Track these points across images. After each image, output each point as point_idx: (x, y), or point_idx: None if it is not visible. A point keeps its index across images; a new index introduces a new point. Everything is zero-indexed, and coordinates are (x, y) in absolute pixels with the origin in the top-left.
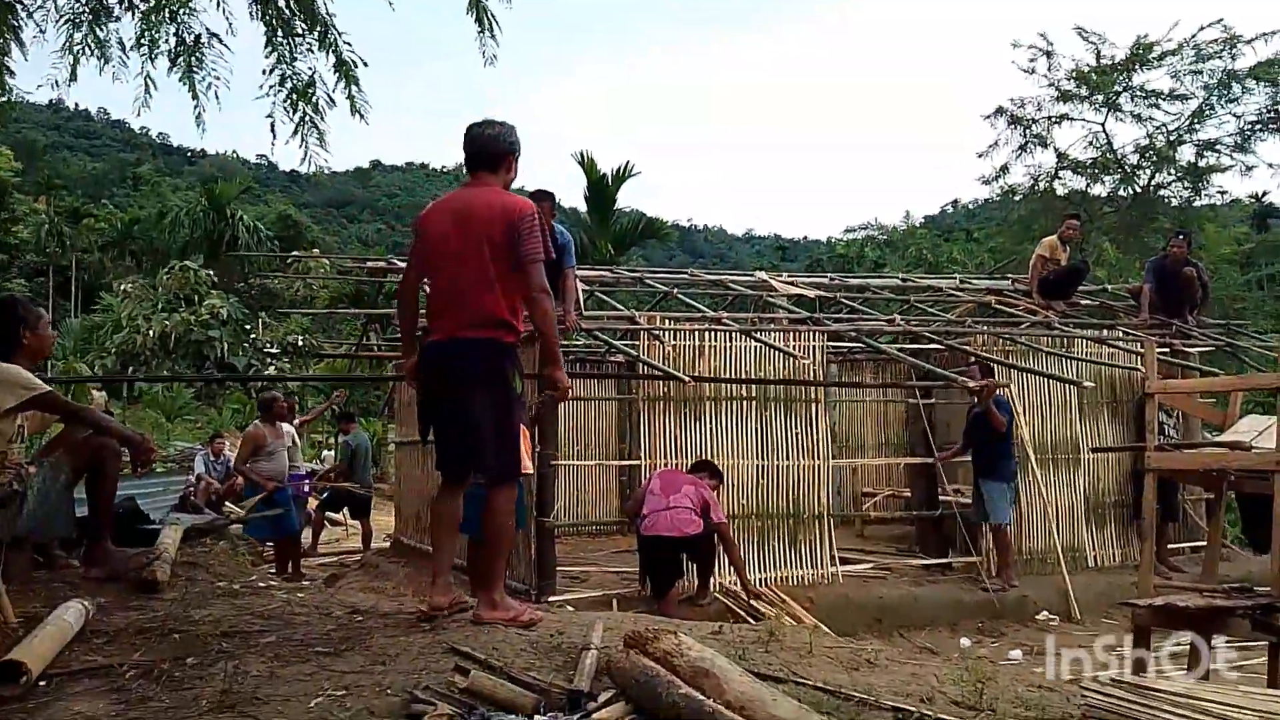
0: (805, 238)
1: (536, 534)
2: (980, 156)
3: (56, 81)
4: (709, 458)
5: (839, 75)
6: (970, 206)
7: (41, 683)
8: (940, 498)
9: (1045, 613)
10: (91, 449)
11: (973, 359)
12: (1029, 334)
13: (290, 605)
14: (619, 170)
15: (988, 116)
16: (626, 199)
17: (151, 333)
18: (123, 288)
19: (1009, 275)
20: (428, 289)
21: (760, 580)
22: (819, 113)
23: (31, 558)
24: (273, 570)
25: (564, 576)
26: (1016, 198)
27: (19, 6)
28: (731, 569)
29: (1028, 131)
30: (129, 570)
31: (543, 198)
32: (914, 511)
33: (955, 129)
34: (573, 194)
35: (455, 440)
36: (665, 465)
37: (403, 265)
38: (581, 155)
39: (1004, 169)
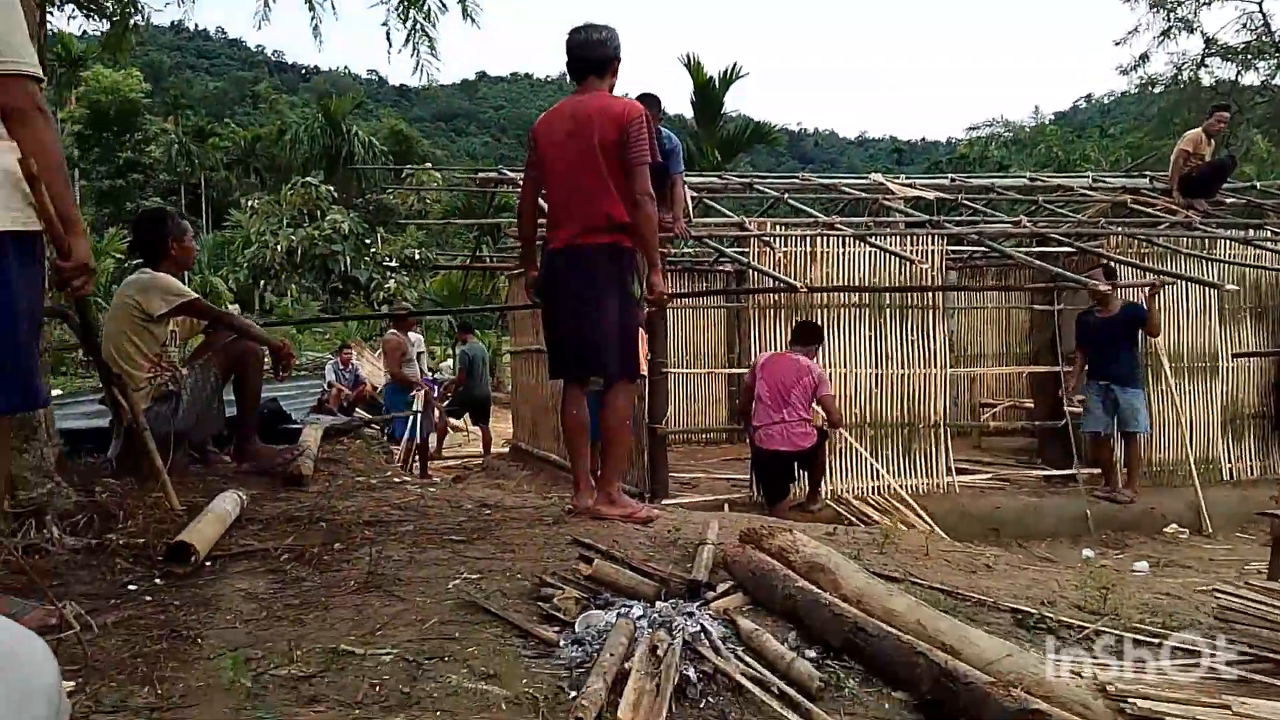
0: (923, 139)
1: (649, 440)
2: (1117, 44)
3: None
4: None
5: None
6: (1105, 101)
7: (207, 563)
8: (1066, 409)
9: (1174, 526)
10: (237, 353)
11: (1102, 261)
12: (1167, 235)
13: (424, 499)
14: (726, 73)
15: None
16: (733, 103)
17: (280, 248)
18: (250, 204)
19: (1147, 173)
20: (545, 201)
21: (874, 489)
22: (936, 4)
23: (188, 453)
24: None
25: (675, 483)
26: (1157, 89)
27: None
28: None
29: (1172, 15)
30: (276, 465)
31: (649, 102)
32: (1035, 422)
33: (1089, 15)
34: (677, 100)
35: (576, 343)
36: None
37: (513, 176)
38: (687, 58)
39: (1144, 58)
